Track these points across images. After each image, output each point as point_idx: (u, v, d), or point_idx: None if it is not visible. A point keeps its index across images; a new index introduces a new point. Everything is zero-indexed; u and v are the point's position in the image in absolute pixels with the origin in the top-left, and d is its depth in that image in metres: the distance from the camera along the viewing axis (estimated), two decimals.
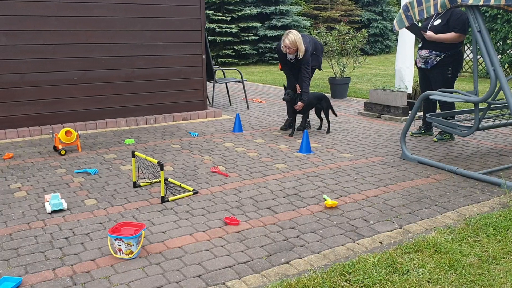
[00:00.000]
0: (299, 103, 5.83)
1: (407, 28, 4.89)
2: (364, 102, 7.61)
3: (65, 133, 5.00)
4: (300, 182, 4.27)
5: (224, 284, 2.62)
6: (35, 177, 4.36)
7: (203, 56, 7.14)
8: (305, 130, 5.33)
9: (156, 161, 3.73)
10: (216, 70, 7.95)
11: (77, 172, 4.49)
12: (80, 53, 6.13)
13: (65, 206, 3.60)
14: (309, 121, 6.53)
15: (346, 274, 2.70)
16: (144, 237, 3.12)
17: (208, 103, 7.83)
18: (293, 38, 5.67)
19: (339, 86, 9.14)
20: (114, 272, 2.73)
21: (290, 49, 5.75)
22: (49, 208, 3.54)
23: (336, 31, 9.44)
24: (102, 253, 2.96)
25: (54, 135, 5.20)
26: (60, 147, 5.05)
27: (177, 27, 6.78)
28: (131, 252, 2.88)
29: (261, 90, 10.55)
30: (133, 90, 6.60)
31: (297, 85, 5.97)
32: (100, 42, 6.23)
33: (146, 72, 6.65)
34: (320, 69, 6.33)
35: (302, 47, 5.72)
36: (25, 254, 2.93)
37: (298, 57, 5.83)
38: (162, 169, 3.65)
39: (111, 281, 2.64)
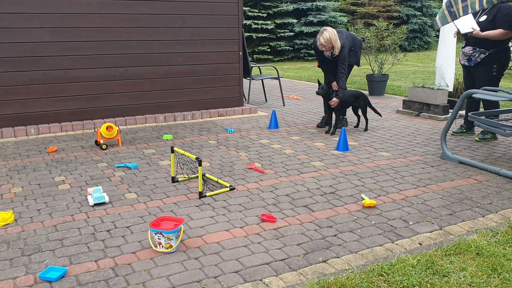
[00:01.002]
0: (334, 99, 5.78)
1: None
2: (403, 100, 7.47)
3: (107, 128, 5.13)
4: (337, 181, 4.24)
5: (261, 280, 2.64)
6: (77, 171, 4.50)
7: (240, 53, 7.17)
8: (343, 128, 5.29)
9: (195, 156, 3.78)
10: (252, 67, 7.97)
11: (118, 166, 4.60)
12: (121, 50, 6.27)
13: (106, 199, 3.70)
14: (346, 118, 6.47)
15: (385, 275, 2.67)
16: (183, 232, 3.17)
17: (244, 99, 7.86)
18: (327, 36, 5.62)
19: (377, 83, 9.01)
20: (154, 265, 2.80)
21: (325, 47, 5.70)
22: (91, 201, 3.65)
23: (374, 27, 9.30)
24: (142, 246, 3.03)
25: (96, 130, 5.35)
26: (101, 141, 5.19)
27: (216, 24, 6.84)
28: (171, 246, 2.94)
29: (296, 87, 10.52)
30: (171, 86, 6.71)
31: (334, 83, 5.92)
32: (141, 39, 6.36)
33: (184, 68, 6.75)
34: (358, 65, 6.26)
35: (337, 44, 5.66)
36: (69, 245, 3.04)
37: (334, 54, 5.78)
38: (200, 164, 3.70)
39: (151, 274, 2.70)
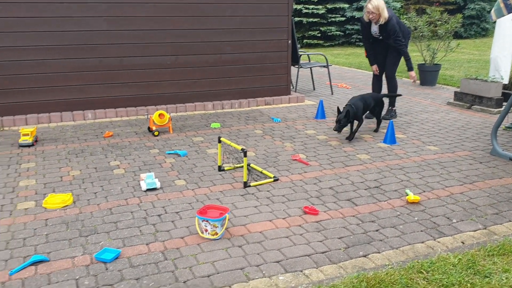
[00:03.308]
0: (411, 73, 5.96)
1: None
2: (454, 92, 7.27)
3: (159, 115, 5.35)
4: (383, 175, 4.24)
5: (302, 271, 2.74)
6: (131, 156, 4.73)
7: (289, 42, 7.20)
8: (391, 120, 5.25)
9: (240, 147, 3.90)
10: (301, 55, 7.98)
11: (169, 153, 4.81)
12: (173, 39, 6.45)
13: (158, 185, 3.90)
14: (395, 110, 6.39)
15: (424, 272, 2.70)
16: (228, 220, 3.31)
17: (291, 87, 7.90)
18: (376, 3, 5.64)
19: (429, 73, 8.79)
20: (200, 251, 2.95)
21: (373, 15, 5.70)
22: (144, 186, 3.86)
23: (427, 15, 9.03)
24: (190, 231, 3.20)
25: (148, 117, 5.59)
26: (153, 128, 5.42)
27: (265, 12, 6.88)
28: (216, 234, 3.09)
29: (346, 75, 10.42)
30: (220, 74, 6.85)
31: (374, 66, 6.05)
32: (192, 28, 6.51)
33: (232, 57, 6.86)
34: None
35: (385, 14, 5.68)
36: (123, 228, 3.25)
37: (381, 23, 5.73)
38: (245, 155, 3.82)
39: (198, 259, 2.86)
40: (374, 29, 5.86)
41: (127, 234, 3.16)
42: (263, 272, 2.73)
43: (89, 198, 3.73)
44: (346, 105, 5.20)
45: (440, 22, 8.82)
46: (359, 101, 5.29)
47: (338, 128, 5.09)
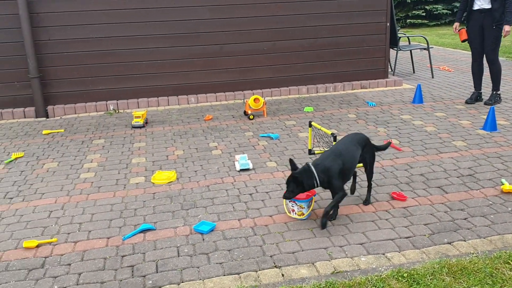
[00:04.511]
0: (506, 27, 5.46)
1: None
2: None
3: (254, 100, 5.62)
4: (478, 163, 4.11)
5: (384, 254, 2.83)
6: (228, 138, 5.06)
7: (388, 24, 7.05)
8: (492, 106, 5.00)
9: (330, 132, 4.02)
10: (400, 37, 7.76)
11: (262, 136, 5.06)
12: (270, 25, 6.66)
13: (251, 166, 4.17)
14: (499, 94, 6.03)
15: None
16: (314, 202, 3.47)
17: (390, 70, 7.74)
18: None
19: None
20: (287, 229, 3.16)
21: None
22: (238, 167, 4.15)
23: None
24: (278, 211, 3.41)
25: (244, 101, 5.89)
26: (249, 112, 5.71)
27: None
28: (302, 214, 3.27)
29: (450, 56, 9.91)
30: (315, 58, 6.94)
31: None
32: (288, 13, 6.67)
33: (328, 41, 6.90)
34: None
35: None
36: (218, 204, 3.56)
37: None
38: (335, 140, 3.92)
39: (284, 236, 3.07)
40: None
41: (221, 210, 3.46)
42: (346, 252, 2.86)
43: (190, 175, 4.11)
44: (307, 164, 3.15)
45: None
46: (332, 161, 3.15)
47: (288, 195, 3.11)
